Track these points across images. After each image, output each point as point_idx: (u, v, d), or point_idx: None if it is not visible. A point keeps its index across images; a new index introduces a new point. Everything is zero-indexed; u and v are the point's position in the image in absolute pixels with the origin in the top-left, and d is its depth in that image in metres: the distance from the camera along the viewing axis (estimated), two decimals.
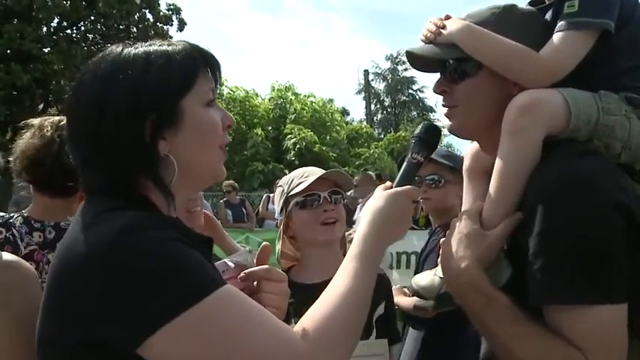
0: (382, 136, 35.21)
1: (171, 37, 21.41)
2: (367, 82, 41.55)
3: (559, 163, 1.28)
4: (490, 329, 1.32)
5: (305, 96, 26.72)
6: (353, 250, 1.29)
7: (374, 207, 1.35)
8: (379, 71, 48.88)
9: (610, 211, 1.20)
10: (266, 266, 1.32)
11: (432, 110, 47.27)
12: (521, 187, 1.33)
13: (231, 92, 23.35)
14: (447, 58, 1.47)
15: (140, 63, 1.16)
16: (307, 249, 2.31)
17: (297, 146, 22.29)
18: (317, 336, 1.09)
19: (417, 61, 1.55)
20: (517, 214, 1.33)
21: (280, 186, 2.36)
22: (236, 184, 11.16)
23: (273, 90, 25.90)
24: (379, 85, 49.05)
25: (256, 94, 25.61)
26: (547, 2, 1.48)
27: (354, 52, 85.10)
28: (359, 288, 1.20)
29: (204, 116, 1.19)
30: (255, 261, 1.35)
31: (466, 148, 1.70)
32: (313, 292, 2.17)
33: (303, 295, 2.18)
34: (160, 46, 1.20)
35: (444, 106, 1.53)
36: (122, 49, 1.19)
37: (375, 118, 46.61)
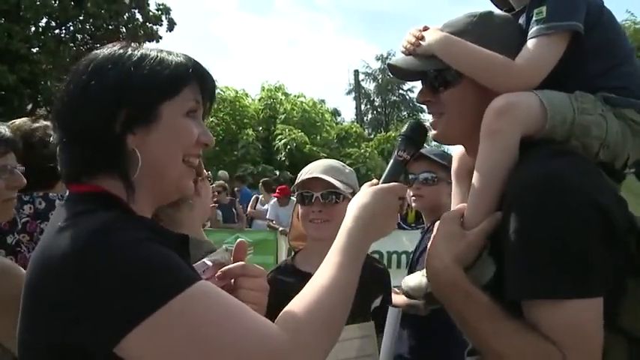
0: (372, 136, 35.24)
1: (160, 38, 21.34)
2: (357, 82, 41.60)
3: (534, 163, 1.32)
4: (470, 326, 1.35)
5: (295, 96, 26.70)
6: (337, 243, 1.31)
7: (359, 202, 1.38)
8: (369, 71, 49.08)
9: (584, 208, 1.24)
10: (242, 263, 1.31)
11: (422, 110, 47.18)
12: (499, 187, 1.36)
13: (221, 92, 23.25)
14: (427, 69, 1.50)
15: (134, 61, 1.20)
16: (309, 240, 2.43)
17: (288, 147, 22.27)
18: (297, 331, 1.09)
19: (399, 71, 1.58)
20: (497, 213, 1.36)
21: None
22: (226, 185, 11.14)
23: (263, 90, 25.86)
24: (369, 85, 49.28)
25: (246, 95, 25.57)
26: (516, 9, 1.54)
27: (342, 51, 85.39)
28: (342, 282, 1.22)
29: (180, 123, 1.22)
30: (232, 259, 1.34)
31: (454, 151, 1.74)
32: None
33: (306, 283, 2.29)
34: (160, 52, 1.25)
35: (429, 113, 1.57)
36: (123, 48, 1.24)
37: (365, 118, 46.71)
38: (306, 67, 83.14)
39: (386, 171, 1.51)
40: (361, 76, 46.35)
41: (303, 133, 23.11)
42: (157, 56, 1.23)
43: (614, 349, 1.25)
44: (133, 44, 1.26)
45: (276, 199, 10.27)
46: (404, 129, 1.58)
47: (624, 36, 1.56)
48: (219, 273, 1.28)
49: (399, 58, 1.57)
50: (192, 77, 1.24)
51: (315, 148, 22.95)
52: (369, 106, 49.51)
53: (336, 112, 39.03)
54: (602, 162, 1.39)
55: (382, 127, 44.12)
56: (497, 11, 1.58)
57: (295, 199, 2.47)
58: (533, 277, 1.24)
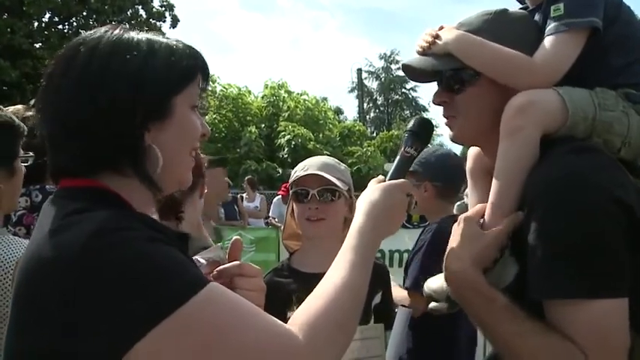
0: (375, 134, 35.27)
1: (164, 34, 21.41)
2: (360, 81, 41.59)
3: (556, 160, 1.30)
4: (490, 328, 1.33)
5: (298, 94, 26.69)
6: (349, 241, 1.27)
7: (369, 199, 1.35)
8: (372, 70, 49.10)
9: (607, 206, 1.21)
10: (238, 262, 1.27)
11: (424, 109, 47.50)
12: (520, 185, 1.34)
13: (224, 89, 23.28)
14: (444, 69, 1.47)
15: (144, 49, 1.12)
16: (305, 238, 2.37)
17: (292, 143, 22.26)
18: (313, 332, 1.05)
19: (414, 72, 1.55)
20: (517, 213, 1.34)
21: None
22: (230, 182, 11.13)
23: (267, 88, 25.85)
24: (372, 84, 49.34)
25: (249, 92, 25.58)
26: (531, 7, 1.53)
27: (345, 50, 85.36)
28: (356, 281, 1.19)
29: (189, 118, 1.18)
30: (227, 257, 1.30)
31: (469, 150, 1.70)
32: (316, 281, 2.21)
33: (306, 284, 2.23)
34: (162, 37, 1.18)
35: (444, 116, 1.53)
36: (123, 32, 1.15)
37: (367, 116, 46.76)
38: (309, 65, 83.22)
39: (392, 167, 1.48)
40: (364, 75, 46.44)
41: (306, 130, 23.10)
42: (167, 44, 1.16)
43: (637, 349, 1.22)
44: (124, 26, 1.18)
45: (280, 196, 10.27)
46: (410, 124, 1.55)
47: None
48: (214, 272, 1.24)
49: (413, 58, 1.53)
50: (198, 66, 1.20)
51: (318, 146, 22.94)
52: (371, 105, 49.56)
53: (338, 111, 39.00)
54: (624, 159, 1.37)
55: (384, 126, 44.16)
56: (512, 8, 1.56)
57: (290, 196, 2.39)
58: (555, 276, 1.22)
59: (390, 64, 49.52)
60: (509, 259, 1.36)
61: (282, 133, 22.83)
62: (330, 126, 27.04)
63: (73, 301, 0.93)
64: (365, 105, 45.51)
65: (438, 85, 1.54)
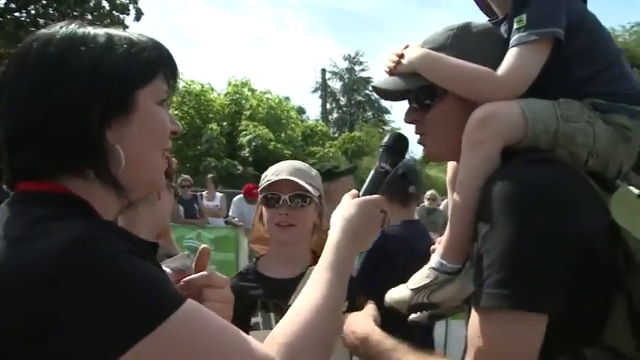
0: (337, 135, 35.36)
1: (127, 27, 20.99)
2: (324, 81, 41.66)
3: (509, 172, 1.29)
4: None
5: (261, 92, 26.58)
6: (326, 258, 1.26)
7: (344, 214, 1.35)
8: (336, 70, 49.26)
9: (554, 223, 1.19)
10: (206, 272, 1.23)
11: (387, 111, 47.97)
12: (477, 199, 1.33)
13: (187, 85, 23.00)
14: (410, 88, 1.48)
15: (101, 42, 1.07)
16: (273, 243, 2.35)
17: (253, 143, 22.15)
18: (292, 352, 1.03)
19: (384, 92, 1.56)
20: None
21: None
22: (192, 180, 10.99)
23: (230, 85, 25.68)
24: (336, 85, 49.46)
25: (212, 89, 25.35)
26: (500, 17, 1.53)
27: (309, 50, 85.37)
28: (334, 299, 1.17)
29: (156, 113, 1.12)
30: (194, 266, 1.26)
31: (450, 161, 1.70)
32: (281, 287, 2.21)
33: (272, 290, 2.23)
34: (125, 32, 1.13)
35: (416, 134, 1.53)
36: (79, 26, 1.09)
37: (330, 117, 46.85)
38: (272, 63, 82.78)
39: (367, 182, 1.49)
40: (328, 75, 46.56)
41: (268, 130, 23.04)
42: (127, 37, 1.11)
43: None
44: (81, 22, 1.11)
45: (242, 195, 10.19)
46: (385, 139, 1.57)
47: (610, 40, 1.53)
48: (182, 282, 1.20)
49: (382, 79, 1.54)
50: (163, 60, 1.14)
51: (279, 146, 22.89)
52: (334, 105, 49.72)
53: (300, 110, 38.96)
54: (594, 171, 1.36)
55: (347, 127, 44.27)
56: (475, 22, 1.55)
57: (259, 200, 2.37)
58: (483, 286, 1.20)
59: (354, 65, 49.83)
60: (470, 270, 1.36)
61: (244, 132, 22.70)
62: (293, 125, 27.01)
63: (49, 318, 0.86)
64: (328, 105, 45.65)
65: (408, 103, 1.55)
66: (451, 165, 1.68)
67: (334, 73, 49.07)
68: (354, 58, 49.70)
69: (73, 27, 1.09)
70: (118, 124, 1.05)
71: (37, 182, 1.05)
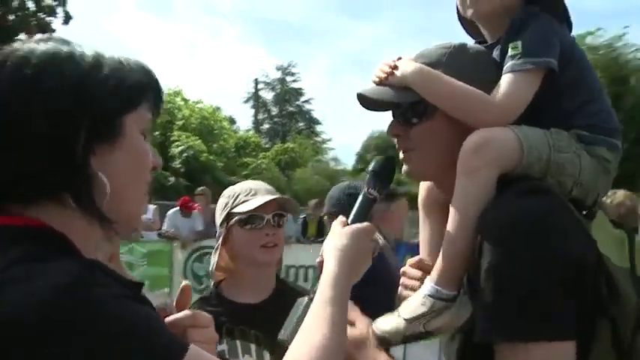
0: (269, 146, 35.27)
1: (54, 31, 20.17)
2: (257, 91, 41.50)
3: (510, 201, 1.29)
4: None
5: (194, 102, 26.18)
6: (326, 293, 1.24)
7: (338, 245, 1.33)
8: (268, 81, 49.15)
9: (557, 251, 1.22)
10: (191, 312, 1.19)
11: (318, 122, 48.22)
12: (472, 226, 1.34)
13: None
14: (402, 101, 1.45)
15: (90, 61, 1.01)
16: (243, 267, 2.26)
17: (185, 154, 21.76)
18: None
19: (369, 102, 1.52)
20: None
21: (225, 198, 2.29)
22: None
23: None
24: (267, 95, 49.32)
25: None
26: (489, 41, 1.53)
27: (241, 59, 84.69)
28: (339, 336, 1.16)
29: (140, 143, 1.06)
30: (174, 304, 1.23)
31: (421, 182, 1.67)
32: (247, 313, 2.19)
33: (238, 315, 2.18)
34: (110, 52, 1.07)
35: (399, 150, 1.51)
36: (65, 41, 1.04)
37: (261, 127, 46.69)
38: (204, 72, 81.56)
39: (355, 209, 1.47)
40: (260, 85, 46.41)
41: (200, 141, 22.68)
42: (115, 58, 1.05)
43: None
44: (60, 38, 1.05)
45: (177, 208, 9.97)
46: (372, 165, 1.54)
47: (594, 73, 1.56)
48: (166, 322, 1.13)
49: (370, 87, 1.50)
50: (150, 87, 1.08)
51: (212, 157, 22.59)
52: (266, 116, 49.51)
53: (231, 120, 38.60)
54: (574, 198, 1.39)
55: (279, 138, 44.22)
56: (470, 43, 1.56)
57: (229, 224, 2.24)
58: (499, 318, 1.22)
59: (286, 75, 49.85)
60: (463, 298, 1.36)
61: (176, 143, 22.27)
62: (226, 136, 26.73)
63: None
64: (259, 116, 45.47)
65: (393, 116, 1.52)
66: (424, 186, 1.67)
67: (266, 84, 48.94)
68: (286, 68, 49.76)
69: (54, 44, 1.02)
70: (102, 150, 0.99)
71: (9, 215, 0.97)
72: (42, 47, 1.00)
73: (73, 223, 0.99)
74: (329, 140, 42.61)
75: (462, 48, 1.49)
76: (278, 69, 49.35)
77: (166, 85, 24.91)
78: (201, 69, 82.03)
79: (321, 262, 1.40)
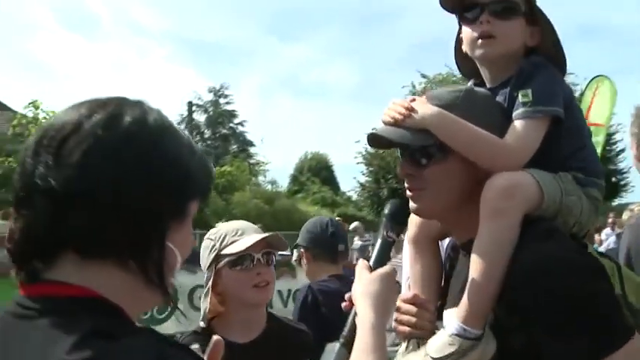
0: None
1: None
2: (190, 114, 40.97)
3: (537, 243, 1.39)
4: None
5: None
6: (366, 339, 1.30)
7: (371, 291, 1.42)
8: (201, 103, 48.64)
9: (592, 276, 1.36)
10: None
11: (251, 144, 48.01)
12: (504, 267, 1.41)
13: (48, 117, 21.50)
14: (420, 144, 1.50)
15: (186, 141, 1.07)
16: (235, 307, 2.26)
17: None
18: None
19: (381, 141, 1.59)
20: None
21: (210, 240, 2.26)
22: None
23: None
24: (200, 117, 48.75)
25: None
26: (489, 85, 1.64)
27: (171, 80, 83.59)
28: None
29: (190, 227, 1.11)
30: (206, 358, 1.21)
31: (410, 218, 1.71)
32: (238, 353, 2.12)
33: (230, 355, 2.16)
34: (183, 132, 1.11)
35: (409, 189, 1.56)
36: (163, 119, 1.06)
37: None
38: (134, 93, 79.29)
39: (376, 252, 1.54)
40: (192, 107, 45.81)
41: None
42: (192, 142, 1.10)
43: None
44: (151, 107, 1.06)
45: None
46: (388, 209, 1.61)
47: (585, 120, 1.71)
48: None
49: (385, 128, 1.54)
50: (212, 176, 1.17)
51: None
52: (198, 138, 48.85)
53: None
54: (572, 234, 1.52)
55: (214, 161, 43.72)
56: (476, 87, 1.65)
57: (217, 266, 2.22)
58: (583, 339, 1.31)
59: (219, 97, 49.51)
60: (489, 335, 1.43)
61: None
62: None
63: None
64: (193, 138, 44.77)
65: (402, 155, 1.58)
66: (414, 222, 1.71)
67: (199, 106, 48.38)
68: (218, 90, 49.47)
69: (158, 116, 1.05)
70: (174, 227, 1.03)
71: (62, 285, 0.94)
72: (152, 118, 1.03)
73: (132, 288, 0.99)
74: (267, 163, 42.47)
75: (471, 91, 1.58)
76: (210, 91, 48.96)
77: None
78: (131, 90, 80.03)
79: (349, 306, 1.49)
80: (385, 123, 1.54)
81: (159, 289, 1.00)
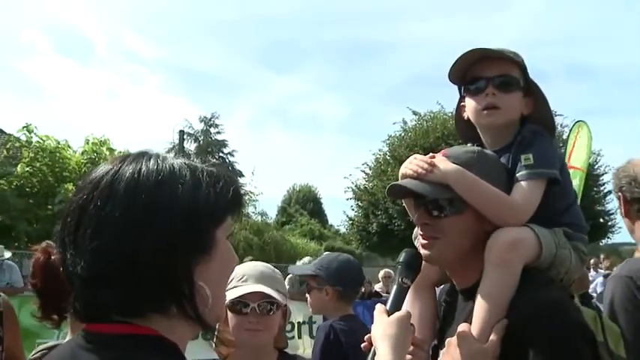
0: None
1: None
2: (182, 142, 41.04)
3: (535, 291, 1.58)
4: None
5: (120, 152, 25.57)
6: None
7: (389, 334, 1.56)
8: (192, 132, 48.76)
9: (580, 327, 1.54)
10: None
11: (241, 174, 47.97)
12: (505, 308, 1.58)
13: (41, 141, 21.58)
14: (440, 197, 1.67)
15: (189, 179, 1.08)
16: (240, 347, 2.37)
17: None
18: None
19: (400, 192, 1.76)
20: (503, 321, 1.57)
21: None
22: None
23: (87, 143, 24.43)
24: (190, 146, 48.78)
25: (68, 146, 23.94)
26: (490, 148, 1.84)
27: (163, 108, 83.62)
28: None
29: (227, 248, 1.14)
30: None
31: None
32: None
33: None
34: (205, 164, 1.15)
35: (423, 237, 1.71)
36: (162, 161, 1.10)
37: None
38: (127, 122, 79.20)
39: (392, 298, 1.70)
40: (183, 136, 45.84)
41: None
42: (209, 172, 1.12)
43: None
44: (156, 153, 1.12)
45: None
46: (403, 257, 1.77)
47: (571, 180, 1.91)
48: None
49: (408, 181, 1.72)
50: (240, 198, 1.17)
51: None
52: None
53: None
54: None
55: None
56: (484, 149, 1.84)
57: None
58: None
59: (210, 127, 49.71)
60: None
61: None
62: None
63: None
64: None
65: (417, 205, 1.74)
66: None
67: (189, 134, 48.52)
68: (209, 120, 49.74)
69: (155, 161, 1.08)
70: (203, 261, 1.06)
71: (122, 324, 1.02)
72: (149, 166, 1.07)
73: (177, 331, 1.06)
74: (258, 194, 42.41)
75: (483, 153, 1.78)
76: (201, 120, 49.18)
77: (92, 133, 24.33)
78: (123, 117, 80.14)
79: (368, 347, 1.64)
80: (406, 176, 1.72)
81: (198, 325, 1.08)
